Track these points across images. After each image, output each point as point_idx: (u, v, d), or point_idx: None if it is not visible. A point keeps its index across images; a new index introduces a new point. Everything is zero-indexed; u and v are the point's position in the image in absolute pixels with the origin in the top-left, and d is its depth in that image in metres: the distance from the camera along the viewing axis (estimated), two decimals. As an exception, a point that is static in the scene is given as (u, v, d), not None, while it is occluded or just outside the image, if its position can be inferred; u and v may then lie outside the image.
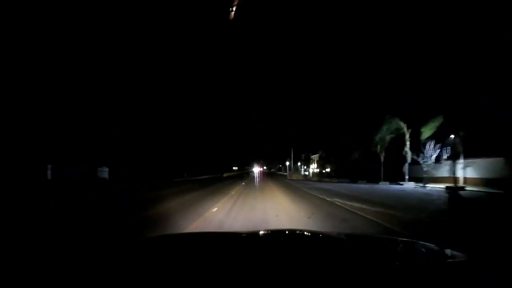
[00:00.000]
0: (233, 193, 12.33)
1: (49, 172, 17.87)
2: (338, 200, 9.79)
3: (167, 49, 33.38)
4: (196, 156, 37.96)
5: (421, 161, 21.67)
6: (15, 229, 4.84)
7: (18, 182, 13.89)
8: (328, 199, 10.40)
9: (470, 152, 19.58)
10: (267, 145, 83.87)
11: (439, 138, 20.74)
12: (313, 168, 58.03)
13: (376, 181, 24.63)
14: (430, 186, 19.53)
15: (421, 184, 20.24)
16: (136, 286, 0.81)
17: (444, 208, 8.78)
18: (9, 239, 4.09)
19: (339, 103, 32.28)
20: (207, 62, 42.86)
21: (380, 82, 24.99)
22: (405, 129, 22.66)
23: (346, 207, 8.11)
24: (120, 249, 1.26)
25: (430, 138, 21.13)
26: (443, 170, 21.62)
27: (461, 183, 18.73)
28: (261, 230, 2.57)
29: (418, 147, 21.74)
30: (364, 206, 8.26)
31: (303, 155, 55.45)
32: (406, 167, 22.64)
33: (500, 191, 14.63)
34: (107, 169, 21.53)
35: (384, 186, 21.45)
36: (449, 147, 20.61)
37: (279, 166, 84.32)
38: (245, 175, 48.31)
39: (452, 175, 18.76)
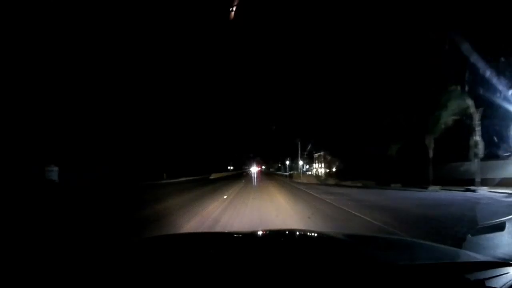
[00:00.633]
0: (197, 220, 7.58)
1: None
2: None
3: (167, 49, 30.67)
4: (182, 155, 33.25)
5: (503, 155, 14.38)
6: None
7: None
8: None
9: None
10: (266, 142, 78.31)
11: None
12: (316, 167, 53.62)
13: (420, 184, 16.55)
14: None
15: (509, 191, 11.96)
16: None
17: None
18: None
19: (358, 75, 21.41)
20: (203, 57, 38.79)
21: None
22: (473, 108, 14.85)
23: None
24: (119, 249, 1.28)
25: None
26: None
27: None
28: (260, 230, 2.49)
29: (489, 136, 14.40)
30: None
31: (305, 153, 50.60)
32: (476, 165, 15.09)
33: None
34: (56, 169, 16.77)
35: (452, 194, 13.18)
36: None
37: (279, 166, 79.32)
38: (238, 177, 37.34)
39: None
